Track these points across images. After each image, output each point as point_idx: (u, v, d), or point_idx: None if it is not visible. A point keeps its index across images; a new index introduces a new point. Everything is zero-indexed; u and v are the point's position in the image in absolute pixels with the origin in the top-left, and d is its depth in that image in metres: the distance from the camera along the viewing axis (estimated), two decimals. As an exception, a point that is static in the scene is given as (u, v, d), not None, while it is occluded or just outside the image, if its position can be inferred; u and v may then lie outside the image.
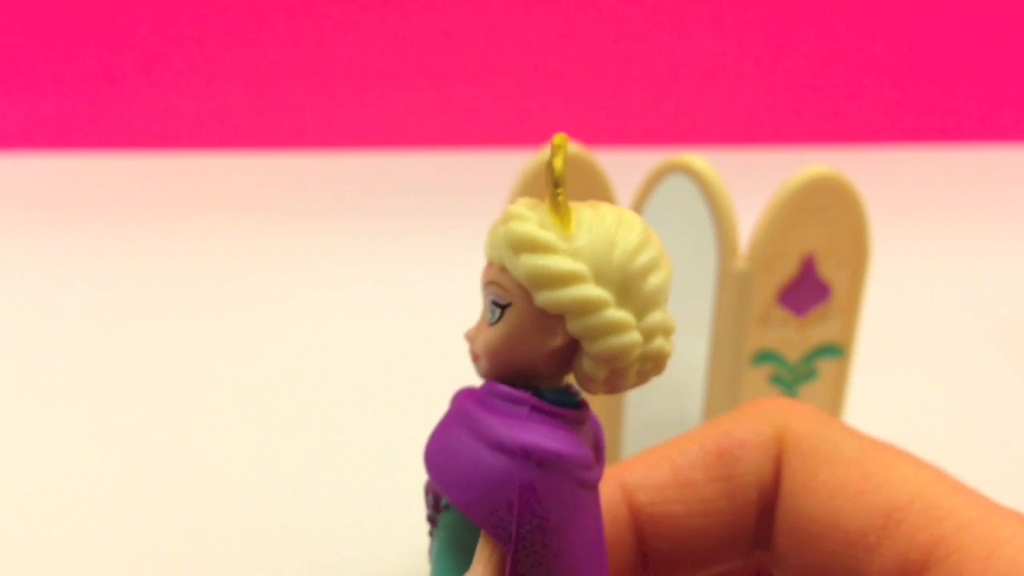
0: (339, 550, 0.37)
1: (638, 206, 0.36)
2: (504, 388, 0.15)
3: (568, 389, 0.15)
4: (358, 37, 0.91)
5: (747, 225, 0.33)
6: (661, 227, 0.37)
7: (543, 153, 0.34)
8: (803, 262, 0.33)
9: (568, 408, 0.15)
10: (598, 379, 0.14)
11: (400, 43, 0.92)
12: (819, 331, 0.35)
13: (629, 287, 0.14)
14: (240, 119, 0.92)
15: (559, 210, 0.14)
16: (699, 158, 0.34)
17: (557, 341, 0.14)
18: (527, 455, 0.14)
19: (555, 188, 0.14)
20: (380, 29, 0.91)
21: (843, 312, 0.35)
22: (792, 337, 0.35)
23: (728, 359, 0.35)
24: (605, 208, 0.15)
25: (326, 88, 0.91)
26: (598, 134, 0.87)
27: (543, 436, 0.14)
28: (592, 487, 0.15)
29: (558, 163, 0.14)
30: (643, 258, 0.15)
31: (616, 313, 0.14)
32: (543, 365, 0.15)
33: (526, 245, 0.14)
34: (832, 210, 0.32)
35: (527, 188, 0.34)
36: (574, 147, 0.34)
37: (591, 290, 0.14)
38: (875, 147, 0.93)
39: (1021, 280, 0.65)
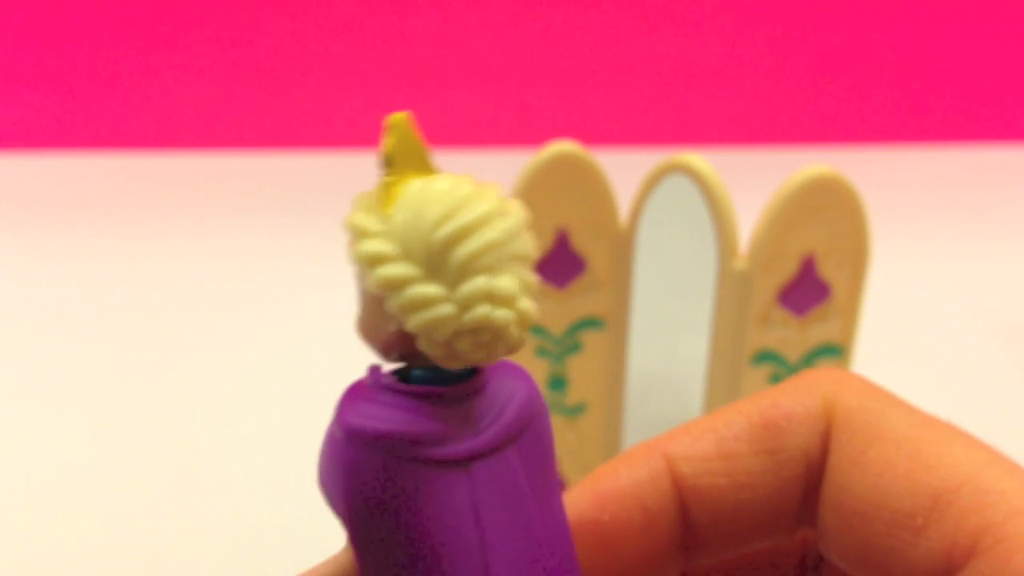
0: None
1: (638, 206, 0.36)
2: (371, 369, 0.15)
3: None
4: (358, 37, 0.91)
5: (747, 225, 0.33)
6: (661, 227, 0.38)
7: (543, 153, 0.34)
8: (803, 262, 0.33)
9: (432, 385, 0.15)
10: (437, 356, 0.14)
11: (400, 43, 0.92)
12: (819, 331, 0.35)
13: (436, 259, 0.14)
14: (240, 119, 0.92)
15: (384, 191, 0.14)
16: (699, 158, 0.34)
17: (392, 324, 0.14)
18: (349, 435, 0.14)
19: (384, 169, 0.14)
20: (380, 29, 0.91)
21: (843, 312, 0.35)
22: (792, 337, 0.35)
23: (728, 359, 0.35)
24: (435, 182, 0.14)
25: (326, 88, 0.91)
26: (598, 134, 0.87)
27: (369, 416, 0.14)
28: (448, 463, 0.14)
29: (388, 143, 0.14)
30: (447, 228, 0.14)
31: (422, 288, 0.14)
32: (397, 346, 0.15)
33: (349, 232, 0.14)
34: (832, 210, 0.32)
35: (527, 188, 0.34)
36: (574, 147, 0.34)
37: (394, 268, 0.14)
38: (875, 147, 0.93)
39: (1021, 280, 0.65)
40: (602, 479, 0.18)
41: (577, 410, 0.39)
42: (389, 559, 0.15)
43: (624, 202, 0.36)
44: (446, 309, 0.14)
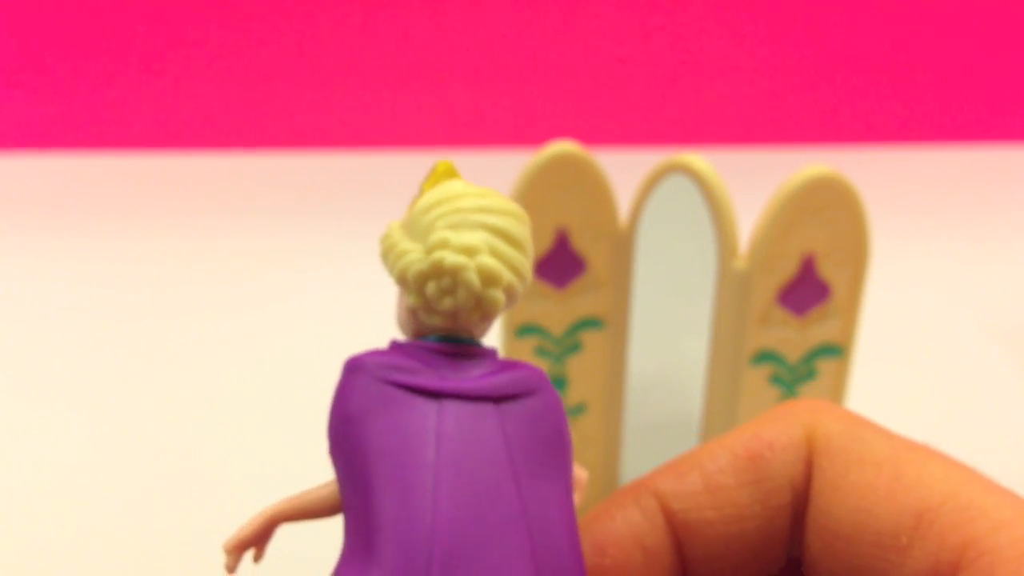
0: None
1: (638, 206, 0.36)
2: (392, 341, 0.18)
3: (451, 335, 0.17)
4: (357, 37, 0.91)
5: (747, 225, 0.33)
6: (661, 227, 0.38)
7: (543, 153, 0.34)
8: (803, 262, 0.33)
9: (430, 342, 0.17)
10: (421, 309, 0.17)
11: (400, 43, 0.92)
12: (819, 331, 0.35)
13: (416, 224, 0.17)
14: (240, 119, 0.92)
15: (413, 201, 0.18)
16: (699, 158, 0.34)
17: (404, 302, 0.17)
18: (346, 367, 0.17)
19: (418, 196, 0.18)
20: (379, 29, 0.91)
21: (843, 312, 0.35)
22: (792, 337, 0.35)
23: (728, 359, 0.35)
24: (453, 182, 0.17)
25: (325, 88, 0.91)
26: (598, 134, 0.87)
27: (368, 354, 0.17)
28: (421, 392, 0.16)
29: (426, 186, 0.17)
30: (426, 201, 0.17)
31: (401, 243, 0.17)
32: (411, 322, 0.17)
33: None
34: (832, 210, 0.32)
35: (527, 188, 0.34)
36: (574, 147, 0.34)
37: (391, 238, 0.17)
38: (875, 147, 0.93)
39: (1021, 280, 0.65)
40: (597, 524, 0.18)
41: (577, 410, 0.39)
42: (355, 466, 0.16)
43: (624, 202, 0.36)
44: (413, 255, 0.16)
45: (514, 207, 0.17)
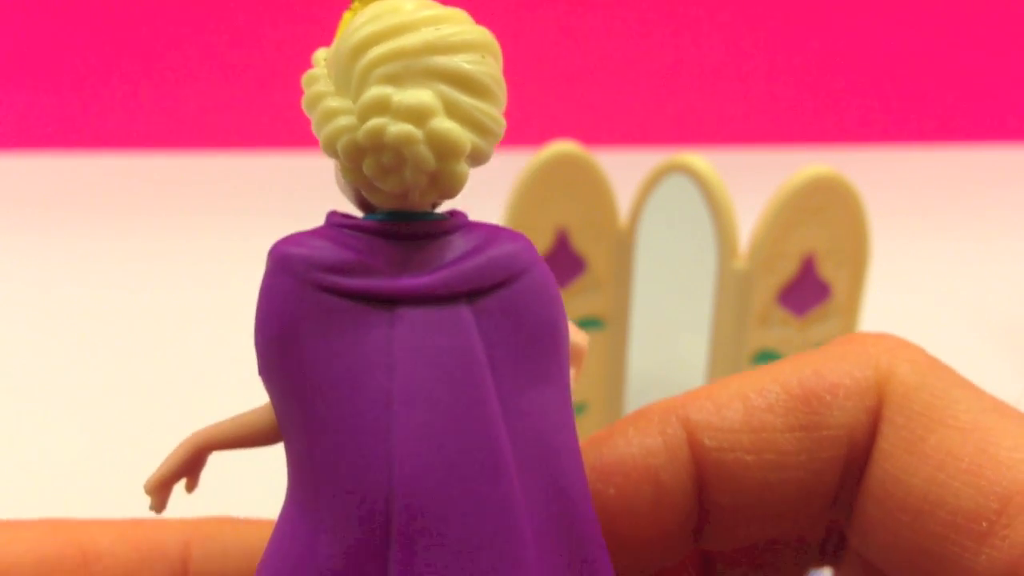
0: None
1: (638, 206, 0.36)
2: (329, 212, 0.14)
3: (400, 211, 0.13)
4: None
5: (747, 225, 0.33)
6: (661, 227, 0.37)
7: (543, 153, 0.34)
8: (803, 262, 0.33)
9: (375, 221, 0.13)
10: (360, 184, 0.13)
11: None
12: (819, 331, 0.35)
13: (345, 71, 0.13)
14: (240, 119, 0.92)
15: (340, 25, 0.14)
16: (699, 158, 0.34)
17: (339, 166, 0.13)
18: (269, 258, 0.13)
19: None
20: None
21: (843, 312, 0.35)
22: (792, 337, 0.35)
23: (728, 359, 0.35)
24: (384, 1, 0.13)
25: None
26: (598, 134, 0.87)
27: (295, 242, 0.13)
28: (366, 299, 0.13)
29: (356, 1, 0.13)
30: (359, 35, 0.13)
31: (331, 102, 0.13)
32: (354, 192, 0.14)
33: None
34: (832, 210, 0.32)
35: (527, 188, 0.34)
36: (574, 147, 0.34)
37: (314, 88, 0.13)
38: (875, 147, 0.93)
39: (1021, 280, 0.65)
40: (608, 444, 0.15)
41: (577, 410, 0.39)
42: (291, 398, 0.13)
43: (624, 202, 0.36)
44: (344, 121, 0.12)
45: (476, 34, 0.13)
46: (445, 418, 0.12)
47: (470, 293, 0.13)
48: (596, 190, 0.34)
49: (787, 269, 0.33)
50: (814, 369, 0.15)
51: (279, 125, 0.92)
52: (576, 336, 0.15)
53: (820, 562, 0.18)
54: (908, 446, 0.14)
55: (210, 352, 0.55)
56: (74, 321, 0.58)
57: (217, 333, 0.57)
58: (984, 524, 0.13)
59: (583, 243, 0.35)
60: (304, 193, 0.81)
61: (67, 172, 0.85)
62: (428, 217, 0.13)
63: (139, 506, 0.19)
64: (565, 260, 0.36)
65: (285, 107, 0.98)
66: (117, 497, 0.42)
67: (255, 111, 0.92)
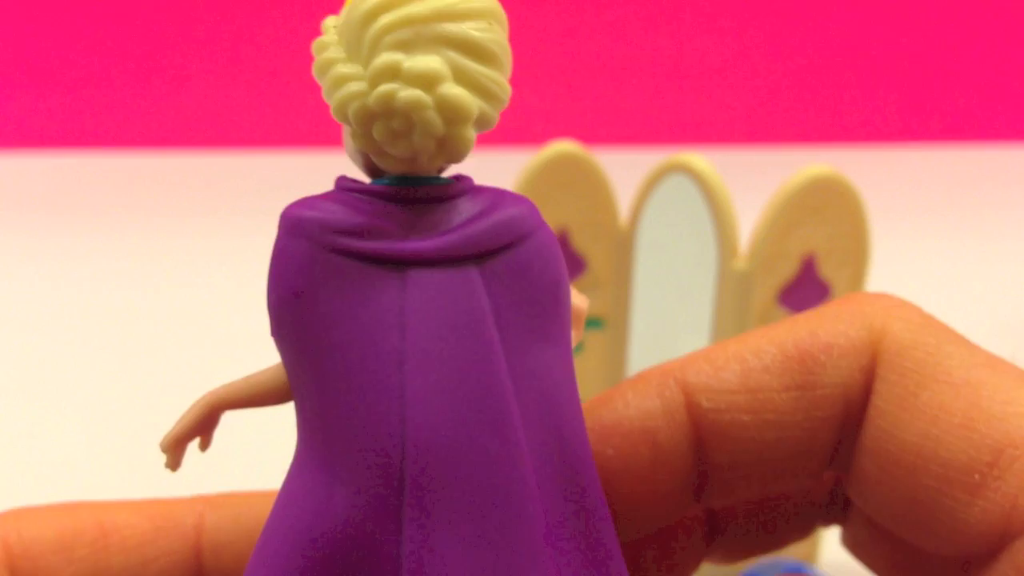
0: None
1: (638, 206, 0.36)
2: (339, 177, 0.15)
3: (410, 175, 0.14)
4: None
5: (747, 225, 0.33)
6: (661, 227, 0.37)
7: (543, 153, 0.34)
8: (803, 262, 0.33)
9: (384, 185, 0.14)
10: (370, 150, 0.13)
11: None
12: (819, 331, 0.35)
13: (355, 37, 0.13)
14: (240, 119, 0.92)
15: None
16: (699, 158, 0.34)
17: (349, 132, 0.14)
18: (281, 222, 0.14)
19: None
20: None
21: (843, 312, 0.35)
22: (792, 337, 0.35)
23: (728, 359, 0.35)
24: None
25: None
26: (598, 134, 0.87)
27: (307, 205, 0.14)
28: (378, 261, 0.13)
29: None
30: (369, 2, 0.13)
31: (342, 68, 0.13)
32: (364, 159, 0.14)
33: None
34: (832, 210, 0.32)
35: (527, 188, 0.34)
36: (574, 147, 0.34)
37: (325, 54, 0.13)
38: (875, 147, 0.93)
39: (1021, 280, 0.65)
40: (608, 406, 0.16)
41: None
42: (304, 358, 0.13)
43: (624, 202, 0.36)
44: (355, 86, 0.13)
45: (483, 1, 0.13)
46: (455, 376, 0.13)
47: (478, 255, 0.13)
48: (596, 190, 0.34)
49: (787, 269, 0.33)
50: (809, 330, 0.15)
51: (279, 125, 0.92)
52: (576, 299, 0.16)
53: (827, 520, 0.18)
54: (901, 402, 0.14)
55: (210, 352, 0.55)
56: (74, 321, 0.58)
57: (218, 332, 0.57)
58: (976, 476, 0.13)
59: (583, 243, 0.35)
60: (304, 193, 0.81)
61: (67, 172, 0.85)
62: (435, 181, 0.14)
63: (150, 492, 0.19)
64: (565, 260, 0.36)
65: (286, 107, 0.98)
66: (127, 484, 0.42)
67: (255, 110, 0.92)
